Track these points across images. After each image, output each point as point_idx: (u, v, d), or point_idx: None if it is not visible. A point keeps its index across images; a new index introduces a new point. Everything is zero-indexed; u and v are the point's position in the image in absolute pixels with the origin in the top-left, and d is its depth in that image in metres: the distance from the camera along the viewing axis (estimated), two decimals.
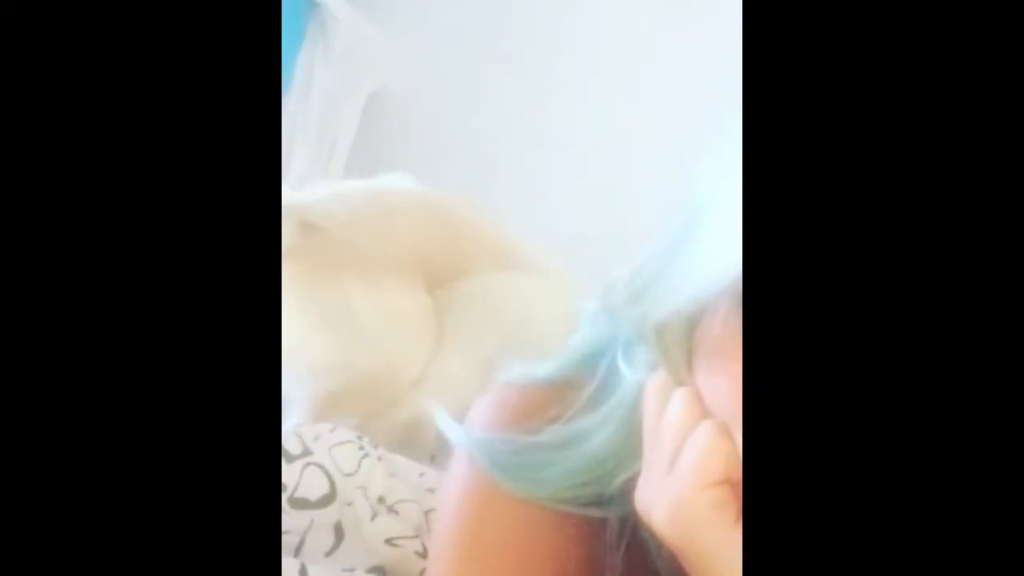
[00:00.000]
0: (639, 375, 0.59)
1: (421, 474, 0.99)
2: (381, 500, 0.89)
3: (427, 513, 0.91)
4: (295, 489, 0.88)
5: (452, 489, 0.64)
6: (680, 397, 0.55)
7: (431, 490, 0.96)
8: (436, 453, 1.03)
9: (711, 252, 0.53)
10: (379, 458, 0.94)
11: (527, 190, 1.75)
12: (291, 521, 0.87)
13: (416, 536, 0.87)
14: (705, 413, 0.54)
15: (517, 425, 0.63)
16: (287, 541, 0.87)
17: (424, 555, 0.86)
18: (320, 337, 1.08)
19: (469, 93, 1.90)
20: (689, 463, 0.53)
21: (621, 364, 0.61)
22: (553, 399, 0.63)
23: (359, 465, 0.91)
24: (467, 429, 0.64)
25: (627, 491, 0.58)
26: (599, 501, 0.61)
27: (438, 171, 1.35)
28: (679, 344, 0.56)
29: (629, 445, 0.58)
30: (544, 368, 0.66)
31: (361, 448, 0.93)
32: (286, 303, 0.89)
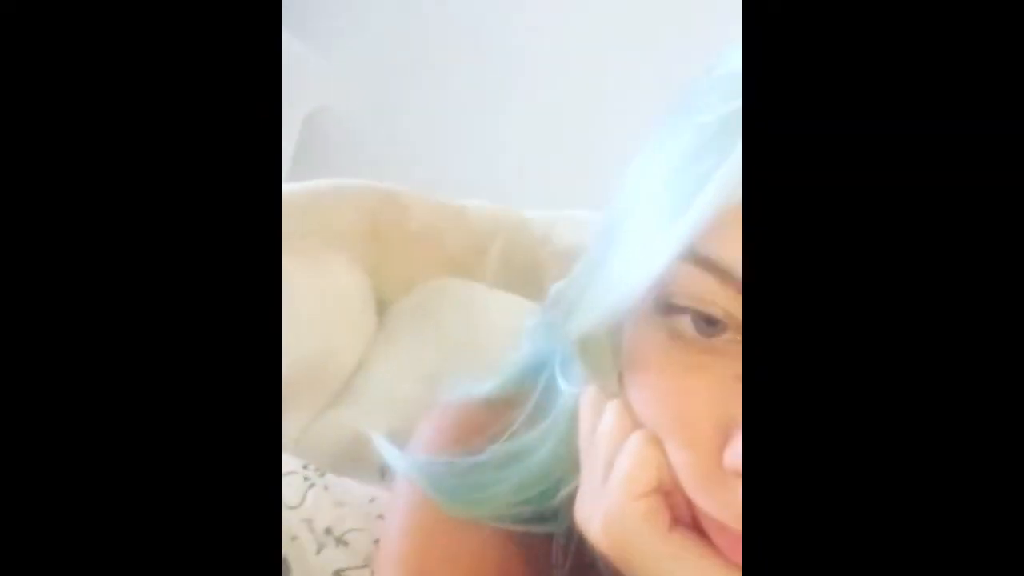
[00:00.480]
0: (576, 389, 0.59)
1: (371, 499, 0.95)
2: (328, 531, 0.85)
3: (377, 541, 0.87)
4: None
5: (395, 512, 0.65)
6: (611, 410, 0.54)
7: (382, 516, 0.91)
8: (385, 470, 0.98)
9: (627, 262, 0.52)
10: (325, 487, 0.89)
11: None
12: None
13: (365, 566, 0.84)
14: (636, 424, 0.53)
15: (458, 446, 0.63)
16: None
17: None
18: None
19: (409, 109, 1.88)
20: (620, 474, 0.52)
21: (559, 378, 0.61)
22: (494, 417, 0.63)
23: (304, 497, 0.86)
24: (406, 454, 0.64)
25: (570, 505, 0.58)
26: (543, 517, 0.61)
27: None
28: (605, 357, 0.55)
29: (569, 459, 0.58)
30: (483, 386, 0.66)
31: (306, 479, 0.89)
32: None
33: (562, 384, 0.61)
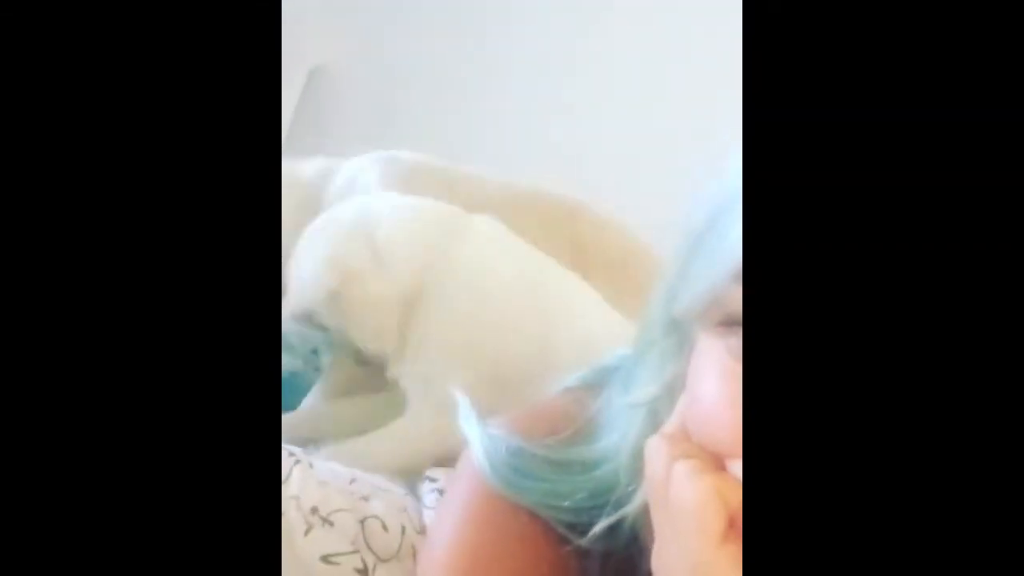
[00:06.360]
0: (635, 400, 0.59)
1: (352, 480, 0.92)
2: (315, 511, 0.82)
3: (362, 522, 0.85)
4: None
5: (454, 500, 0.65)
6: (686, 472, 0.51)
7: (364, 498, 0.89)
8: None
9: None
10: (310, 465, 0.87)
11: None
12: None
13: (355, 551, 0.81)
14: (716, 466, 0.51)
15: (530, 433, 0.64)
16: None
17: (364, 572, 0.80)
18: None
19: (412, 68, 1.84)
20: (694, 525, 0.50)
21: (621, 389, 0.61)
22: (564, 411, 0.64)
23: (290, 472, 0.84)
24: (482, 424, 0.64)
25: (615, 529, 0.59)
26: (581, 529, 0.61)
27: (379, 147, 1.28)
28: (669, 363, 0.57)
29: (618, 490, 0.59)
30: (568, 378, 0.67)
31: (291, 454, 0.86)
32: None
33: (621, 396, 0.61)
